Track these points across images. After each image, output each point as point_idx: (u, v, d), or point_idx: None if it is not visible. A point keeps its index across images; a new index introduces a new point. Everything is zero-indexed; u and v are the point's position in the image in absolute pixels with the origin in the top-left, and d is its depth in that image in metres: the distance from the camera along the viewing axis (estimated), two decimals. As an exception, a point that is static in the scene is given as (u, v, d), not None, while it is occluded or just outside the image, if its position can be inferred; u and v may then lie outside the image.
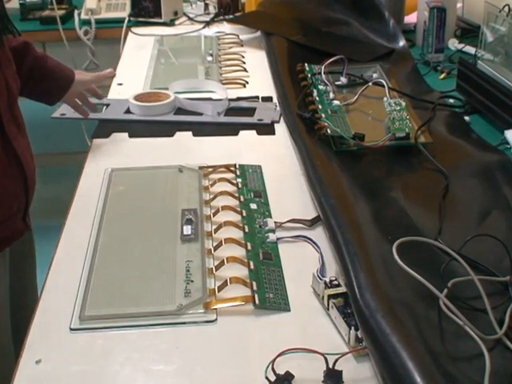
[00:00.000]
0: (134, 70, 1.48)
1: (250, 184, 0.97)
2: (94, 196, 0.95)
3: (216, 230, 0.85)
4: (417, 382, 0.56)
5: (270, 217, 0.89)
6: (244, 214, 0.89)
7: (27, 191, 0.95)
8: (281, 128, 1.17)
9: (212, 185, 0.96)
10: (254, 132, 1.16)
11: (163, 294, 0.75)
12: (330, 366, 0.62)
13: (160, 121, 1.21)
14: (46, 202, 1.17)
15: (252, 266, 0.78)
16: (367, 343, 0.64)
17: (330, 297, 0.71)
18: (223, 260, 0.78)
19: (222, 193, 0.93)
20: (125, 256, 0.82)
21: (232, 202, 0.91)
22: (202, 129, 1.18)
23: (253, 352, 0.67)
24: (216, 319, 0.71)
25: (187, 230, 0.85)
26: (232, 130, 1.17)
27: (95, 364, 0.66)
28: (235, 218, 0.88)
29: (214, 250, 0.82)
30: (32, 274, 1.10)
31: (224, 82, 1.39)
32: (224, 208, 0.89)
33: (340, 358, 0.63)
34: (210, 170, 1.00)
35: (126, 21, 1.86)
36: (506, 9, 1.23)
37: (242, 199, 0.92)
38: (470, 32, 1.56)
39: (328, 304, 0.71)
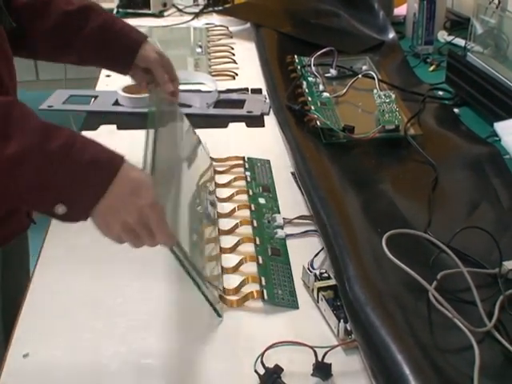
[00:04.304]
0: (123, 62, 1.47)
1: (258, 178, 0.96)
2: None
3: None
4: (406, 375, 0.56)
5: (279, 212, 0.88)
6: (253, 208, 0.88)
7: None
8: (270, 120, 1.16)
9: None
10: (243, 124, 1.16)
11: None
12: (319, 359, 0.62)
13: (149, 113, 1.20)
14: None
15: (260, 261, 0.77)
16: (356, 336, 0.64)
17: (320, 289, 0.71)
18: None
19: (230, 185, 0.93)
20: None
21: (240, 197, 0.91)
22: (192, 121, 1.16)
23: (242, 345, 0.67)
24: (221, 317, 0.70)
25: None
26: (221, 122, 1.16)
27: (83, 357, 0.65)
28: (244, 213, 0.87)
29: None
30: (24, 270, 1.09)
31: (213, 73, 1.38)
32: (232, 201, 0.90)
33: (329, 351, 0.63)
34: (218, 162, 1.00)
35: (114, 12, 1.83)
36: (496, 1, 1.23)
37: (250, 193, 0.91)
38: (459, 24, 1.56)
39: (318, 297, 0.71)
